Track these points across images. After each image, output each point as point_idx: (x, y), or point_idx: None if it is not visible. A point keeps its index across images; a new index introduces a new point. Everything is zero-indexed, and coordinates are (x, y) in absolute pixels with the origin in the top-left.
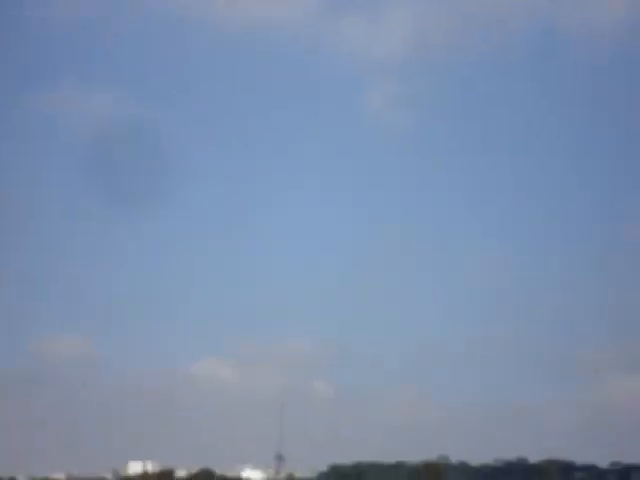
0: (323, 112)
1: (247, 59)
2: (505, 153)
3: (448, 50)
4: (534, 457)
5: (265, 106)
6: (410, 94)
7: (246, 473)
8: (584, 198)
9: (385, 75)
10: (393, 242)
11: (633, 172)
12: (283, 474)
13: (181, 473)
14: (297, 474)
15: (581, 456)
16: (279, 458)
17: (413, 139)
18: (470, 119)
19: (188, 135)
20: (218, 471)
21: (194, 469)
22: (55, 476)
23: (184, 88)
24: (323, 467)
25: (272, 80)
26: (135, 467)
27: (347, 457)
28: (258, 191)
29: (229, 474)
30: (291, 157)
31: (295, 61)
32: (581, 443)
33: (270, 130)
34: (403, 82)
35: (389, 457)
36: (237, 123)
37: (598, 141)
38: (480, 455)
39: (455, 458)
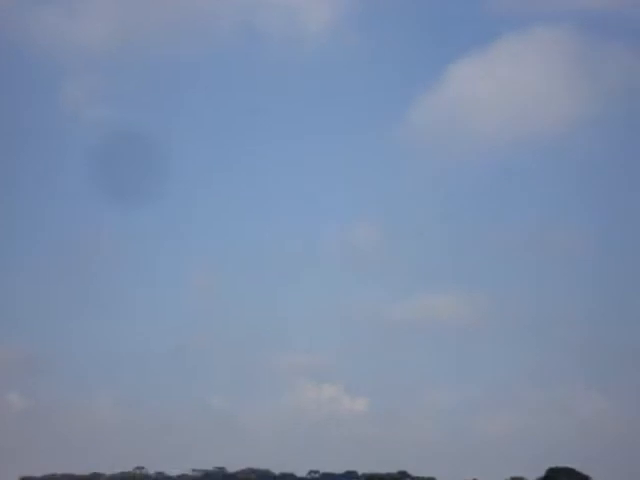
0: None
1: None
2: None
3: (153, 45)
4: (232, 467)
5: None
6: (111, 89)
7: None
8: None
9: (85, 69)
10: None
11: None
12: None
13: None
14: None
15: (279, 465)
16: None
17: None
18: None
19: None
20: None
21: None
22: None
23: None
24: None
25: None
26: None
27: (38, 469)
28: None
29: None
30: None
31: None
32: (279, 452)
33: None
34: (105, 77)
35: (85, 468)
36: None
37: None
38: (178, 465)
39: (152, 469)
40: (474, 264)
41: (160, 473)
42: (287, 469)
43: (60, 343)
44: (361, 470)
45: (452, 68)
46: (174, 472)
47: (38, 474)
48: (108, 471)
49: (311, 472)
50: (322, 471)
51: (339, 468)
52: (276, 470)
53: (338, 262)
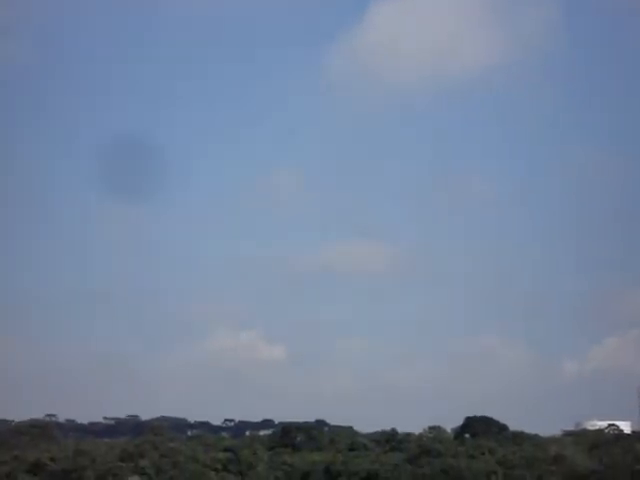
0: None
1: None
2: None
3: None
4: (146, 415)
5: None
6: None
7: None
8: None
9: None
10: None
11: None
12: None
13: None
14: None
15: (193, 414)
16: None
17: None
18: None
19: None
20: None
21: None
22: None
23: None
24: None
25: None
26: None
27: None
28: None
29: None
30: None
31: None
32: (194, 400)
33: None
34: None
35: None
36: None
37: None
38: (89, 413)
39: (63, 417)
40: (390, 212)
41: (71, 421)
42: (202, 418)
43: None
44: (278, 419)
45: (370, 12)
46: (85, 420)
47: None
48: (17, 418)
49: (226, 421)
50: (238, 419)
51: (255, 416)
52: (191, 419)
53: (254, 208)
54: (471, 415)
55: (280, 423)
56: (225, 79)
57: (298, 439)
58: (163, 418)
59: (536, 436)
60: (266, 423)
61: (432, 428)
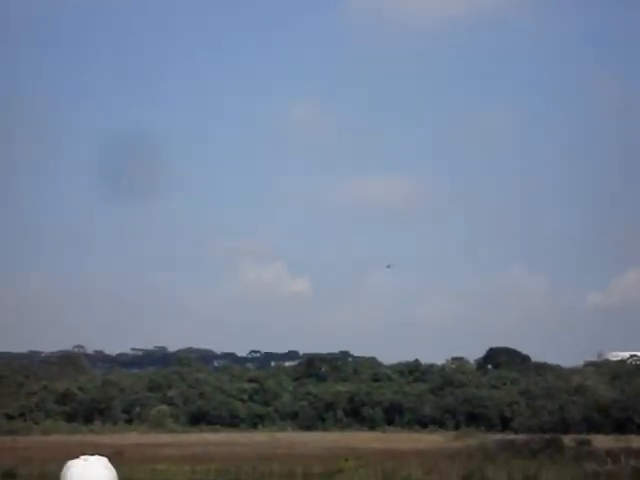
0: None
1: None
2: None
3: None
4: (173, 346)
5: None
6: None
7: None
8: None
9: None
10: None
11: None
12: None
13: None
14: None
15: (220, 345)
16: None
17: None
18: None
19: None
20: None
21: None
22: None
23: None
24: None
25: None
26: None
27: None
28: None
29: None
30: None
31: None
32: (220, 332)
33: None
34: None
35: (21, 347)
36: None
37: None
38: (117, 344)
39: (91, 348)
40: (410, 146)
41: (99, 352)
42: (228, 349)
43: None
44: (302, 350)
45: None
46: (113, 351)
47: None
48: (46, 349)
49: (252, 352)
50: (263, 351)
51: (281, 348)
52: (217, 350)
53: (275, 144)
54: (494, 346)
55: (305, 354)
56: (241, 20)
57: (322, 370)
58: (190, 349)
59: (558, 367)
60: (291, 354)
61: (455, 359)
